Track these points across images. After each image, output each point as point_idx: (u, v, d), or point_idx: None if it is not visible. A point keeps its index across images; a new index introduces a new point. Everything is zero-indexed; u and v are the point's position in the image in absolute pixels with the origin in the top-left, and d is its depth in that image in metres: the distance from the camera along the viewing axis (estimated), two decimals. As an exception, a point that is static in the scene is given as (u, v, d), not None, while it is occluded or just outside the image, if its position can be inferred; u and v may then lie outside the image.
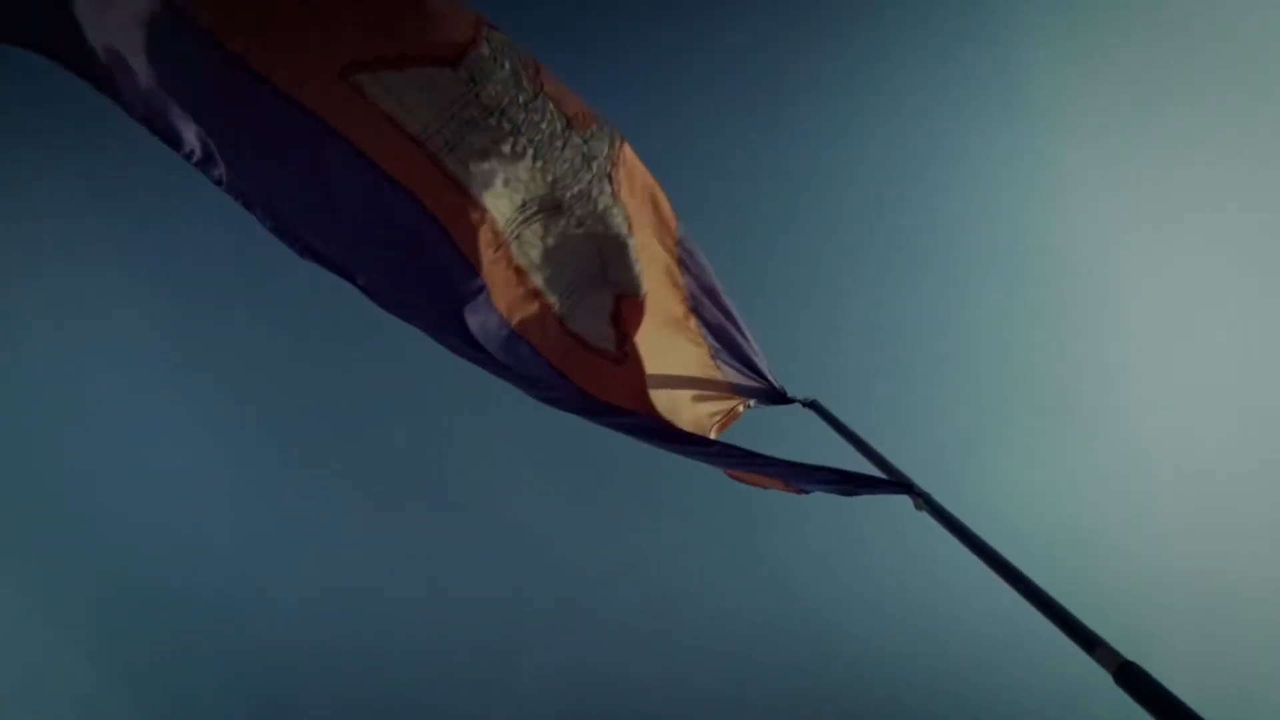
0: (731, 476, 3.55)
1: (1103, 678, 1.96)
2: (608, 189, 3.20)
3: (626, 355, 3.33)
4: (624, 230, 3.24)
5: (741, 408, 3.91)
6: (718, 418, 3.84)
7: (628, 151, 3.34)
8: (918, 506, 2.55)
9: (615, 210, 3.21)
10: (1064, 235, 10.38)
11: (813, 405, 3.46)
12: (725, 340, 3.76)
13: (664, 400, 3.48)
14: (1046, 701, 9.85)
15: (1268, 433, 10.41)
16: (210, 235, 10.14)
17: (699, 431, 3.67)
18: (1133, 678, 1.89)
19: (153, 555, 9.94)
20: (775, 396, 3.76)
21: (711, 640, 10.73)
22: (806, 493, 3.03)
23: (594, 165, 3.12)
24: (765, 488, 3.32)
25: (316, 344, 10.48)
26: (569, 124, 3.04)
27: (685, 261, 3.63)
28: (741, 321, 3.81)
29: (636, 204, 3.35)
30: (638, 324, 3.32)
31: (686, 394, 3.67)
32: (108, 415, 9.84)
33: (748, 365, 3.79)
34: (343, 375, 10.53)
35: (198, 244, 10.13)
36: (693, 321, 3.70)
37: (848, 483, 2.61)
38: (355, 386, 10.56)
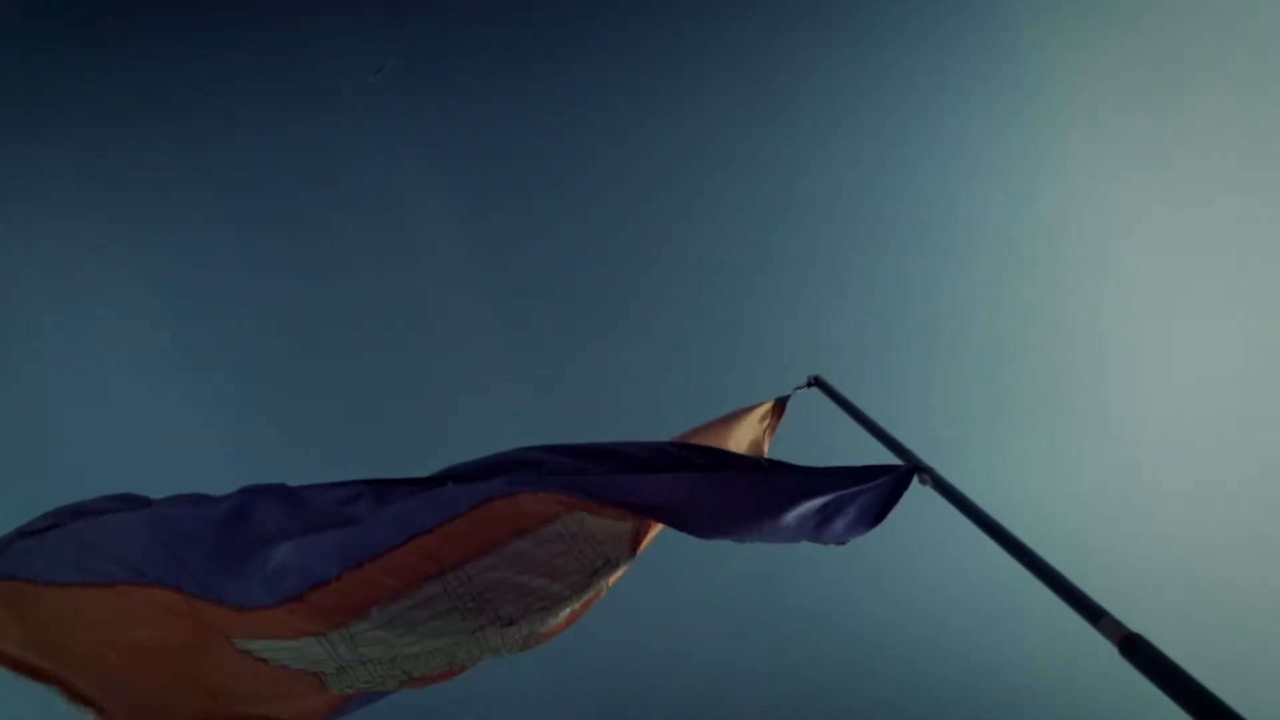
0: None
1: (1107, 649, 1.97)
2: None
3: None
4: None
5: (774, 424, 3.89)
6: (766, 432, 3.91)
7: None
8: (923, 482, 2.57)
9: None
10: (1064, 220, 10.42)
11: (816, 382, 3.47)
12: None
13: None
14: (1052, 672, 9.93)
15: (1268, 413, 10.46)
16: (214, 233, 10.19)
17: (756, 449, 3.71)
18: (1137, 648, 1.90)
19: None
20: (783, 401, 3.76)
21: (714, 616, 10.82)
22: (844, 543, 2.93)
23: None
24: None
25: (322, 338, 10.53)
26: None
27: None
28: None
29: None
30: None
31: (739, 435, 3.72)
32: (116, 409, 9.89)
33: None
34: (348, 366, 10.58)
35: (203, 242, 10.18)
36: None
37: (852, 480, 2.57)
38: (361, 376, 10.61)
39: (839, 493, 2.48)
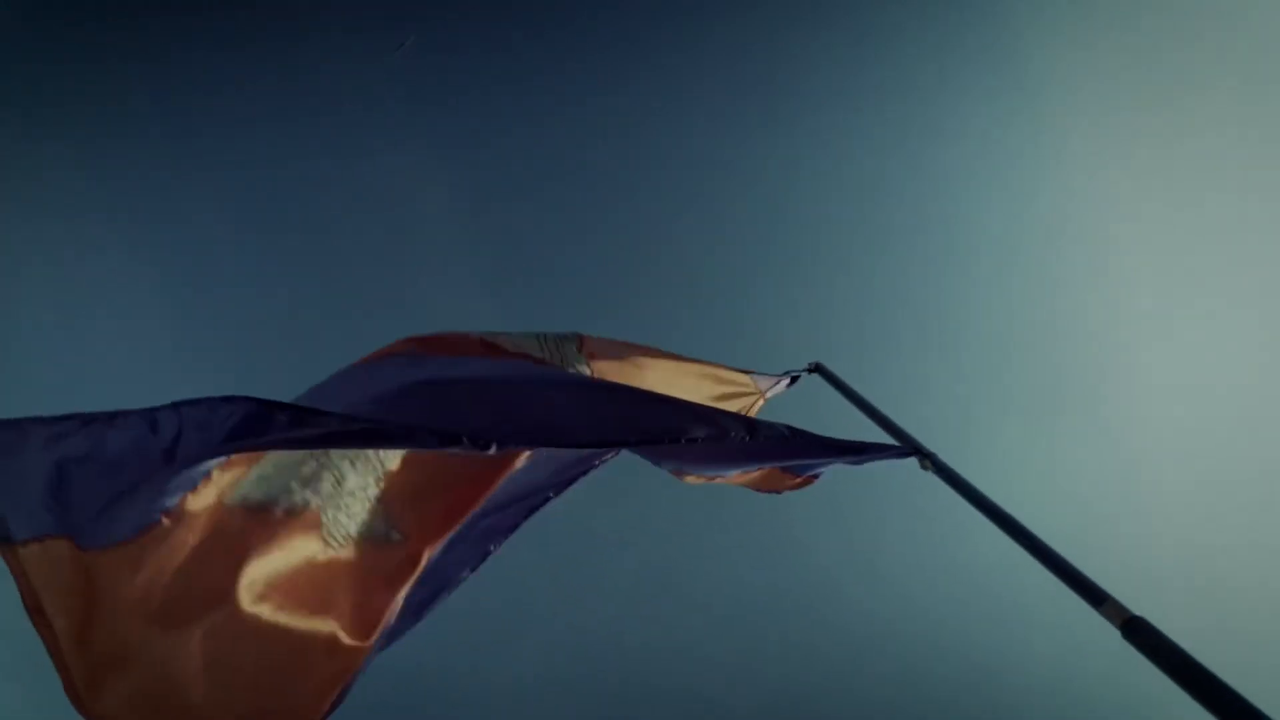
0: (748, 485, 3.50)
1: (1110, 632, 1.97)
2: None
3: None
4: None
5: (762, 401, 3.93)
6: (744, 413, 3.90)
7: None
8: (924, 467, 2.57)
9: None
10: (1065, 211, 10.45)
11: (817, 369, 3.48)
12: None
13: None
14: (1054, 656, 9.95)
15: (1266, 402, 10.49)
16: (215, 233, 10.21)
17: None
18: (1139, 631, 1.89)
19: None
20: (784, 382, 3.79)
21: (715, 606, 10.82)
22: (818, 477, 3.00)
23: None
24: (779, 491, 3.27)
25: (324, 337, 10.53)
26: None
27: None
28: None
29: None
30: None
31: (710, 400, 3.75)
32: (116, 407, 9.88)
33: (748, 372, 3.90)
34: (346, 363, 10.56)
35: (204, 242, 10.20)
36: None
37: (855, 452, 2.60)
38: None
39: (839, 463, 2.52)
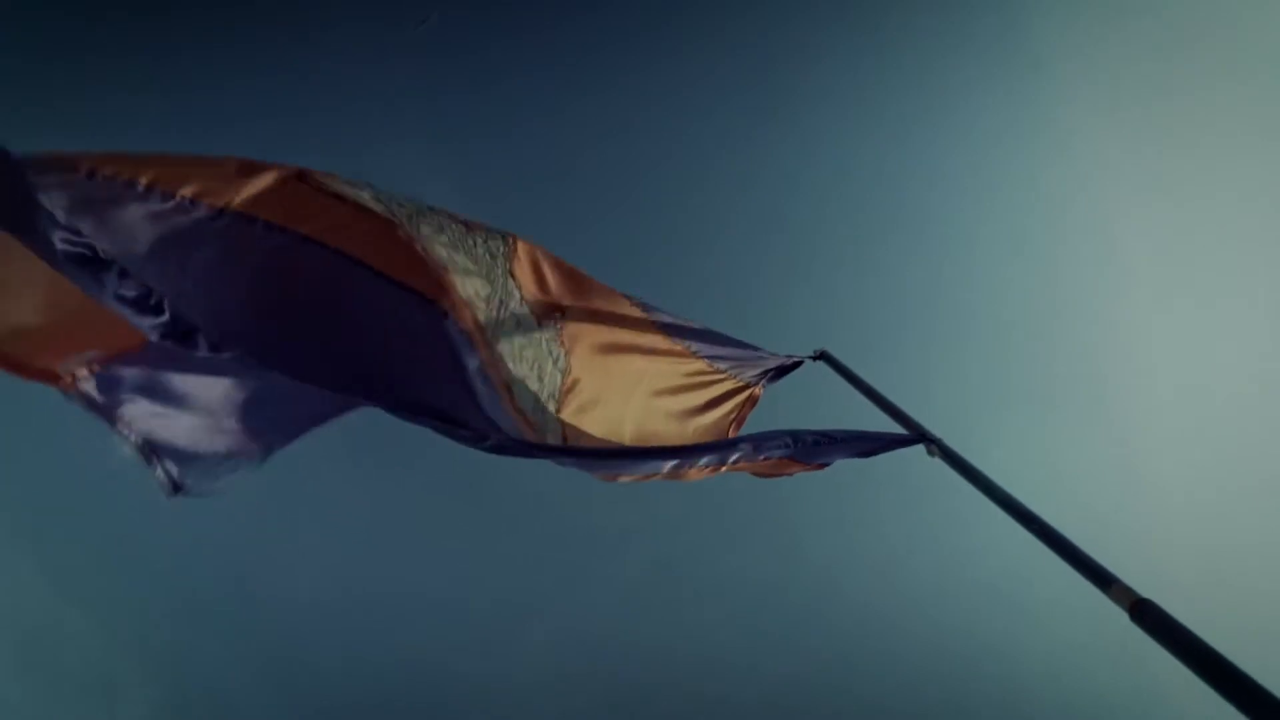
0: (753, 473, 3.25)
1: (1118, 615, 1.96)
2: (513, 287, 3.10)
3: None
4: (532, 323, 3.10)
5: (758, 392, 3.83)
6: (733, 415, 3.75)
7: (522, 246, 3.21)
8: (930, 453, 2.57)
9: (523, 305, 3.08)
10: (1071, 201, 10.45)
11: (822, 356, 3.47)
12: (708, 339, 3.67)
13: (675, 428, 3.46)
14: (1062, 641, 9.96)
15: (1271, 389, 10.50)
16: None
17: (719, 434, 3.59)
18: (1148, 614, 1.88)
19: (169, 536, 9.98)
20: (783, 368, 3.73)
21: (718, 599, 10.83)
22: (827, 465, 2.96)
23: (498, 262, 3.04)
24: (789, 474, 3.21)
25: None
26: (468, 228, 2.99)
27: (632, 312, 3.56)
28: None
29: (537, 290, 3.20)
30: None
31: (693, 413, 3.58)
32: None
33: (742, 347, 3.70)
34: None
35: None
36: (664, 341, 3.57)
37: (861, 441, 2.60)
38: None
39: (846, 456, 2.51)
